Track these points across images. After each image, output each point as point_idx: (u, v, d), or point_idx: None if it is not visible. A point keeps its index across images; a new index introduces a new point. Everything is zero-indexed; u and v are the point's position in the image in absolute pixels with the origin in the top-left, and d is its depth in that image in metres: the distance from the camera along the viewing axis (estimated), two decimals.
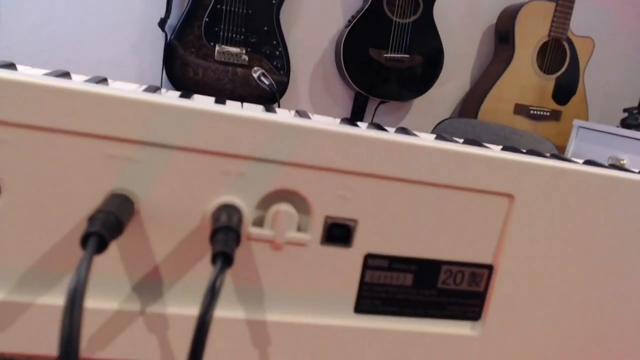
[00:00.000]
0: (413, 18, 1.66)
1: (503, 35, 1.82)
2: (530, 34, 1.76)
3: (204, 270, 0.25)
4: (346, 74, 1.65)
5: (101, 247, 0.19)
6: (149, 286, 0.25)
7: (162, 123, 0.23)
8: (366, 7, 1.62)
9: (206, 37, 1.53)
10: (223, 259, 0.20)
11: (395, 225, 0.27)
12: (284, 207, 0.25)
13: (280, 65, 1.61)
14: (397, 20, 1.64)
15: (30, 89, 0.22)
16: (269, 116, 0.24)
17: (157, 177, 0.24)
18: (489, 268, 0.29)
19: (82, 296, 0.17)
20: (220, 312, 0.26)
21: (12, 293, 0.24)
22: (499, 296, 0.29)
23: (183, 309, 0.25)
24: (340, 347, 0.28)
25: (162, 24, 1.57)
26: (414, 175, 0.26)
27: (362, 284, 0.27)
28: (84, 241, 0.19)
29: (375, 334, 0.28)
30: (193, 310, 0.25)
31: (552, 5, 1.74)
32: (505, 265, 0.29)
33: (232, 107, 0.24)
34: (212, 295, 0.19)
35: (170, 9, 1.58)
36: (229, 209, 0.24)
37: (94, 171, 0.23)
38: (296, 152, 0.25)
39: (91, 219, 0.20)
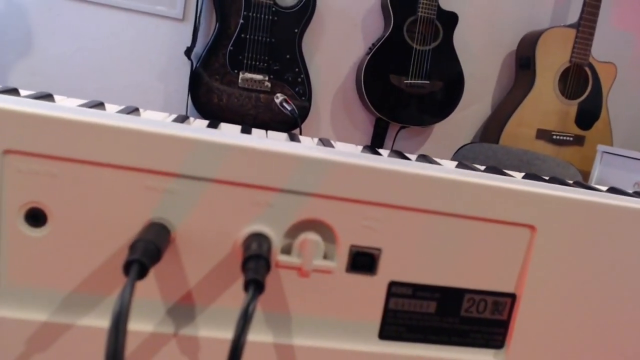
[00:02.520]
0: (433, 45, 1.68)
1: (524, 61, 1.82)
2: (551, 60, 1.76)
3: (235, 295, 0.26)
4: (367, 100, 1.68)
5: (142, 273, 0.20)
6: (183, 310, 0.26)
7: (198, 157, 0.24)
8: (387, 34, 1.65)
9: (230, 65, 1.57)
10: (255, 286, 0.21)
11: (418, 254, 0.28)
12: (311, 236, 0.26)
13: (302, 91, 1.64)
14: (418, 47, 1.67)
15: (75, 126, 0.23)
16: (296, 149, 0.25)
17: (192, 207, 0.25)
18: (512, 297, 0.29)
19: (126, 319, 0.19)
20: (250, 336, 0.27)
21: (55, 315, 0.25)
22: (522, 325, 0.30)
23: (214, 332, 0.26)
24: None
25: (188, 52, 1.62)
26: (437, 206, 0.27)
27: (387, 311, 0.28)
28: (127, 268, 0.20)
29: None
30: (224, 334, 0.26)
31: (573, 31, 1.74)
32: (528, 294, 0.29)
33: (259, 139, 0.26)
34: (245, 320, 0.20)
35: (197, 38, 1.63)
36: (259, 238, 0.25)
37: (134, 201, 0.24)
38: (322, 184, 0.26)
39: (132, 247, 0.22)
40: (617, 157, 1.65)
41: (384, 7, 1.71)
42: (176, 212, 0.25)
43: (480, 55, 1.89)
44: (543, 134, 1.80)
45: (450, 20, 1.69)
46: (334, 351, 0.28)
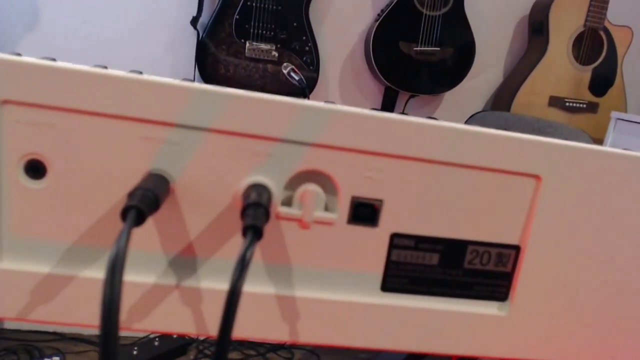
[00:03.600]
0: (443, 10, 1.65)
1: (537, 26, 1.78)
2: (565, 25, 1.72)
3: (236, 246, 0.26)
4: (376, 68, 1.65)
5: (140, 219, 0.20)
6: (184, 261, 0.26)
7: (196, 106, 0.24)
8: (395, 0, 1.61)
9: (237, 34, 1.55)
10: (253, 231, 0.21)
11: (421, 206, 0.27)
12: (312, 187, 0.26)
13: (309, 60, 1.62)
14: (427, 13, 1.63)
15: (73, 75, 0.23)
16: (296, 99, 0.25)
17: (191, 157, 0.25)
18: (516, 249, 0.29)
19: (122, 265, 0.19)
20: (251, 287, 0.27)
21: (57, 267, 0.25)
22: (526, 277, 0.29)
23: (216, 283, 0.26)
24: (367, 324, 0.28)
25: (194, 22, 1.60)
26: (440, 156, 0.27)
27: (389, 263, 0.28)
28: (124, 214, 0.20)
29: (401, 312, 0.29)
30: (225, 285, 0.27)
31: None
32: (532, 246, 0.29)
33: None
34: (242, 266, 0.20)
35: (202, 7, 1.60)
36: (259, 188, 0.25)
37: (133, 152, 0.24)
38: (323, 133, 0.25)
39: (130, 195, 0.22)
40: (631, 124, 1.62)
41: None
42: (175, 163, 0.25)
43: (492, 21, 1.84)
44: (556, 101, 1.77)
45: None
46: (336, 303, 0.28)
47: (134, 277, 0.26)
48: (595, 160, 0.28)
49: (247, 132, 0.25)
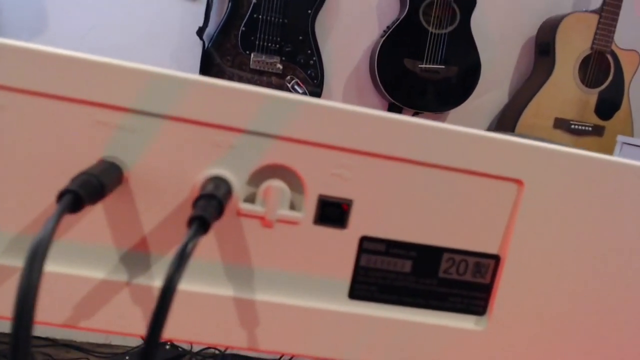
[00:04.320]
0: (450, 29, 1.64)
1: (543, 47, 1.77)
2: (572, 47, 1.71)
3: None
4: (380, 84, 1.64)
5: (76, 206, 0.19)
6: (136, 257, 0.24)
7: (153, 91, 0.23)
8: (402, 17, 1.61)
9: (242, 46, 1.56)
10: (199, 223, 0.19)
11: (394, 208, 0.26)
12: (276, 183, 0.24)
13: (314, 74, 1.62)
14: (433, 30, 1.63)
15: (24, 53, 0.22)
16: (261, 89, 0.24)
17: (147, 146, 0.23)
18: (496, 258, 0.27)
19: (45, 253, 0.17)
20: (208, 288, 0.25)
21: (1, 257, 0.24)
22: (506, 289, 0.27)
23: None
24: (332, 333, 0.26)
25: (200, 32, 1.60)
26: (415, 155, 0.25)
27: (358, 268, 0.26)
28: (59, 198, 0.19)
29: (370, 322, 0.27)
30: (181, 285, 0.25)
31: (595, 17, 1.68)
32: (513, 256, 0.27)
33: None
34: (180, 260, 0.18)
35: (209, 18, 1.61)
36: (217, 181, 0.23)
37: (84, 138, 0.23)
38: (290, 126, 0.24)
39: (73, 179, 0.20)
40: (637, 148, 1.59)
41: None
42: (130, 151, 0.23)
43: (499, 41, 1.84)
44: (561, 123, 1.75)
45: (467, 3, 1.64)
46: (299, 309, 0.26)
47: (81, 271, 0.24)
48: (581, 166, 0.26)
49: (208, 121, 0.23)
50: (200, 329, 0.25)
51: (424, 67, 1.65)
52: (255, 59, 1.57)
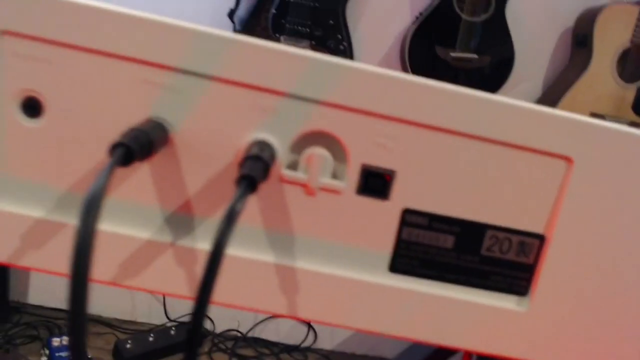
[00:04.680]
0: (484, 17, 1.61)
1: (581, 38, 1.72)
2: (611, 39, 1.66)
3: None
4: (410, 72, 1.62)
5: (127, 159, 0.19)
6: (181, 219, 0.25)
7: (200, 50, 0.23)
8: (435, 3, 1.58)
9: (272, 29, 1.55)
10: (247, 182, 0.19)
11: (438, 181, 0.25)
12: (319, 151, 0.24)
13: None
14: (467, 18, 1.60)
15: (75, 9, 0.22)
16: (308, 52, 0.23)
17: (193, 107, 0.23)
18: (541, 238, 0.27)
19: (99, 205, 0.17)
20: (249, 253, 0.25)
21: (51, 213, 0.24)
22: (550, 270, 0.27)
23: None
24: (370, 306, 0.26)
25: (231, 14, 1.60)
26: (462, 127, 0.25)
27: (399, 241, 0.26)
28: (112, 151, 0.19)
29: (409, 296, 0.26)
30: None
31: (636, 8, 1.62)
32: (558, 237, 0.26)
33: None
34: (230, 219, 0.18)
35: (240, 0, 1.61)
36: (262, 144, 0.23)
37: (132, 96, 0.23)
38: (334, 91, 0.23)
39: (123, 134, 0.20)
40: None
41: None
42: (175, 112, 0.23)
43: (534, 31, 1.79)
44: (596, 119, 1.70)
45: None
46: (338, 279, 0.26)
47: (126, 230, 0.24)
48: (634, 145, 0.25)
49: (253, 84, 0.23)
50: (241, 293, 0.25)
51: (455, 56, 1.62)
52: (285, 43, 1.56)
